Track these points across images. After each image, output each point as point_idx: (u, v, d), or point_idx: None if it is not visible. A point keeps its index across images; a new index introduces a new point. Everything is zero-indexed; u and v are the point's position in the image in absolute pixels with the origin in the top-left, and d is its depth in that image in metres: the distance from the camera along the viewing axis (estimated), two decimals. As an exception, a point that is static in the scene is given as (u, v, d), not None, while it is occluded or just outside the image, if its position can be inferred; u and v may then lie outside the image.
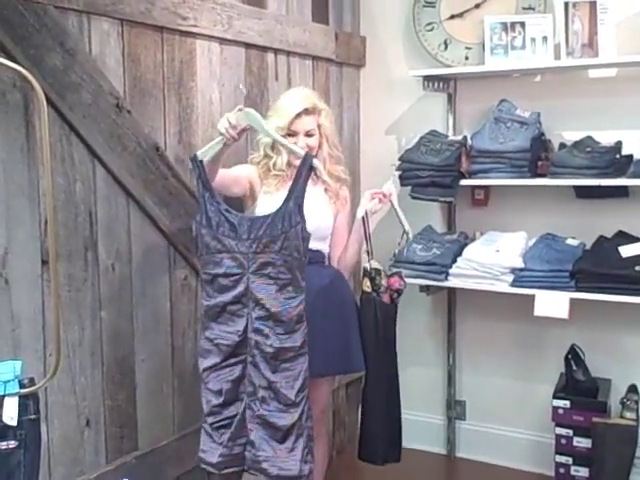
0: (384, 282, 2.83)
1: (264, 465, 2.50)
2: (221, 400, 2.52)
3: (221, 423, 2.54)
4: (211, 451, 2.55)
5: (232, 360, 2.52)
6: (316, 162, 2.52)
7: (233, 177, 2.74)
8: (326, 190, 2.86)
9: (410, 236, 2.96)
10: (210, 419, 2.55)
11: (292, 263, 2.44)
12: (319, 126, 2.79)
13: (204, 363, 2.55)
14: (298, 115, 2.72)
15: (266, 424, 2.50)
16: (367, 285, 2.82)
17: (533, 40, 3.28)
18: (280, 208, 2.45)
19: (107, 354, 2.56)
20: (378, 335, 2.80)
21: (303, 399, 2.49)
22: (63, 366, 2.28)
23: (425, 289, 3.54)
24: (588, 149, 3.15)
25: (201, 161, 2.50)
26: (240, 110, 2.48)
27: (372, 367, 2.81)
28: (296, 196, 2.44)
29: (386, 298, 2.83)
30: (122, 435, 2.64)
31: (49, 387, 2.30)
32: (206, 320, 2.55)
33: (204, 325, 2.57)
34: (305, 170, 2.46)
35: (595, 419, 3.10)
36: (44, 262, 2.29)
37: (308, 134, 2.74)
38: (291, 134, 2.71)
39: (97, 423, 2.54)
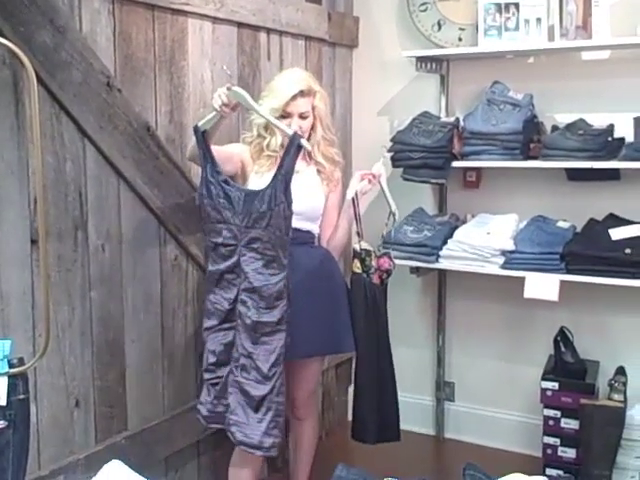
0: (374, 263, 2.83)
1: (232, 429, 2.56)
2: (214, 360, 2.61)
3: (213, 381, 2.63)
4: (205, 404, 2.65)
5: (226, 325, 2.60)
6: (304, 142, 2.52)
7: (227, 154, 2.73)
8: (319, 172, 2.85)
9: (397, 217, 2.95)
10: (206, 375, 2.65)
11: (275, 241, 2.47)
12: (313, 108, 2.77)
13: (206, 323, 2.64)
14: (293, 97, 2.70)
15: (242, 391, 2.54)
16: (357, 266, 2.83)
17: (527, 21, 3.25)
18: (269, 185, 2.47)
19: (97, 334, 2.55)
20: (368, 316, 2.80)
21: (276, 374, 2.52)
22: (52, 346, 2.28)
23: (415, 270, 3.54)
24: (580, 132, 3.15)
25: (204, 132, 2.52)
26: (228, 89, 2.47)
27: (362, 348, 2.81)
28: (283, 174, 2.45)
29: (376, 279, 2.83)
30: (112, 415, 2.64)
31: (38, 367, 2.30)
32: (209, 284, 2.63)
33: (208, 288, 2.64)
34: (293, 149, 2.47)
35: (583, 401, 3.11)
36: (33, 242, 2.27)
37: (302, 116, 2.73)
38: (285, 116, 2.70)
39: (87, 403, 2.54)
